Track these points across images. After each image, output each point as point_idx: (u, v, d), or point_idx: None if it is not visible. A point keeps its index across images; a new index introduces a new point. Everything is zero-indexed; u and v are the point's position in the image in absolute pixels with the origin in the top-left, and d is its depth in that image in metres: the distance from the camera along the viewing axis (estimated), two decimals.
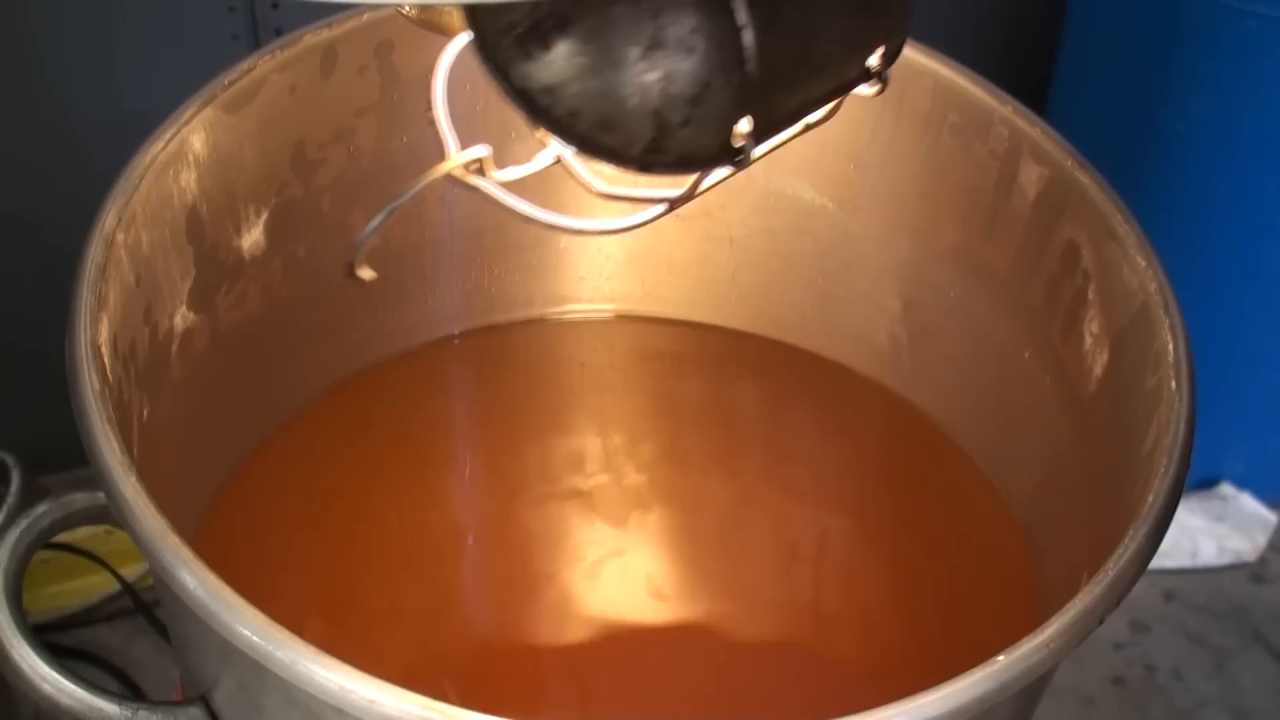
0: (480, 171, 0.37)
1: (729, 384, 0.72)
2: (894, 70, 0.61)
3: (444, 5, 0.37)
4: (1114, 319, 0.55)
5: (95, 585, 1.05)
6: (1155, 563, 1.01)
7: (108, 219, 0.50)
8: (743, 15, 0.34)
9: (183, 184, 0.55)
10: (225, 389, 0.60)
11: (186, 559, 0.41)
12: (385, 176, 0.63)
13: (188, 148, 0.55)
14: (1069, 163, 0.57)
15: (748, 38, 0.35)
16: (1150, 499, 0.46)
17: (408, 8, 0.40)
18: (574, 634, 0.61)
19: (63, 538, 0.98)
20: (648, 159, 0.36)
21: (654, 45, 0.34)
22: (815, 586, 0.65)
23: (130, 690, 1.01)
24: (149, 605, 1.01)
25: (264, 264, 0.61)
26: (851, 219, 0.67)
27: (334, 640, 0.60)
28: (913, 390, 0.68)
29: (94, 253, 0.49)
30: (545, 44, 0.34)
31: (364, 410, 0.66)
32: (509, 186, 0.39)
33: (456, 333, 0.70)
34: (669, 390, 0.72)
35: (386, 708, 0.38)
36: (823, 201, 0.67)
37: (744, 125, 0.36)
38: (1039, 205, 0.59)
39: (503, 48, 0.34)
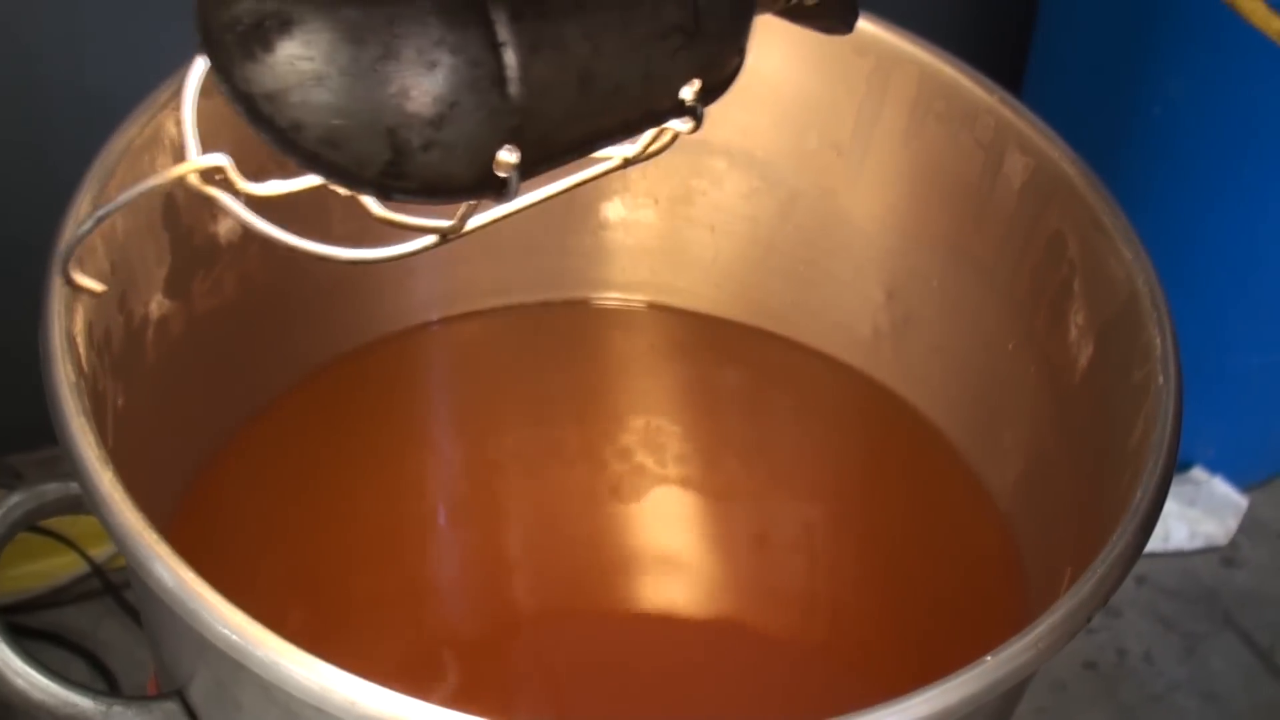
0: (224, 182, 0.34)
1: (708, 371, 0.71)
2: (879, 56, 0.61)
3: None
4: (1100, 311, 0.55)
5: (63, 566, 1.04)
6: None
7: (82, 204, 0.49)
8: (504, 31, 0.31)
9: (159, 169, 0.54)
10: (201, 376, 0.59)
11: (163, 555, 0.41)
12: None
13: (164, 133, 0.53)
14: (1055, 153, 0.57)
15: (510, 57, 0.31)
16: (1138, 495, 0.46)
17: None
18: (550, 622, 0.61)
19: None
20: (386, 183, 0.32)
21: (386, 55, 0.31)
22: (793, 577, 0.65)
23: (100, 673, 1.00)
24: (118, 587, 1.00)
25: (240, 250, 0.60)
26: (835, 206, 0.66)
27: (313, 629, 0.60)
28: (895, 380, 0.68)
29: (69, 240, 0.48)
30: (267, 44, 0.31)
31: (342, 397, 0.66)
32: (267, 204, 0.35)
33: (434, 319, 0.69)
34: (647, 376, 0.71)
35: (366, 708, 0.38)
36: (805, 188, 0.66)
37: (507, 155, 0.33)
38: (1024, 195, 0.59)
39: (225, 44, 0.31)
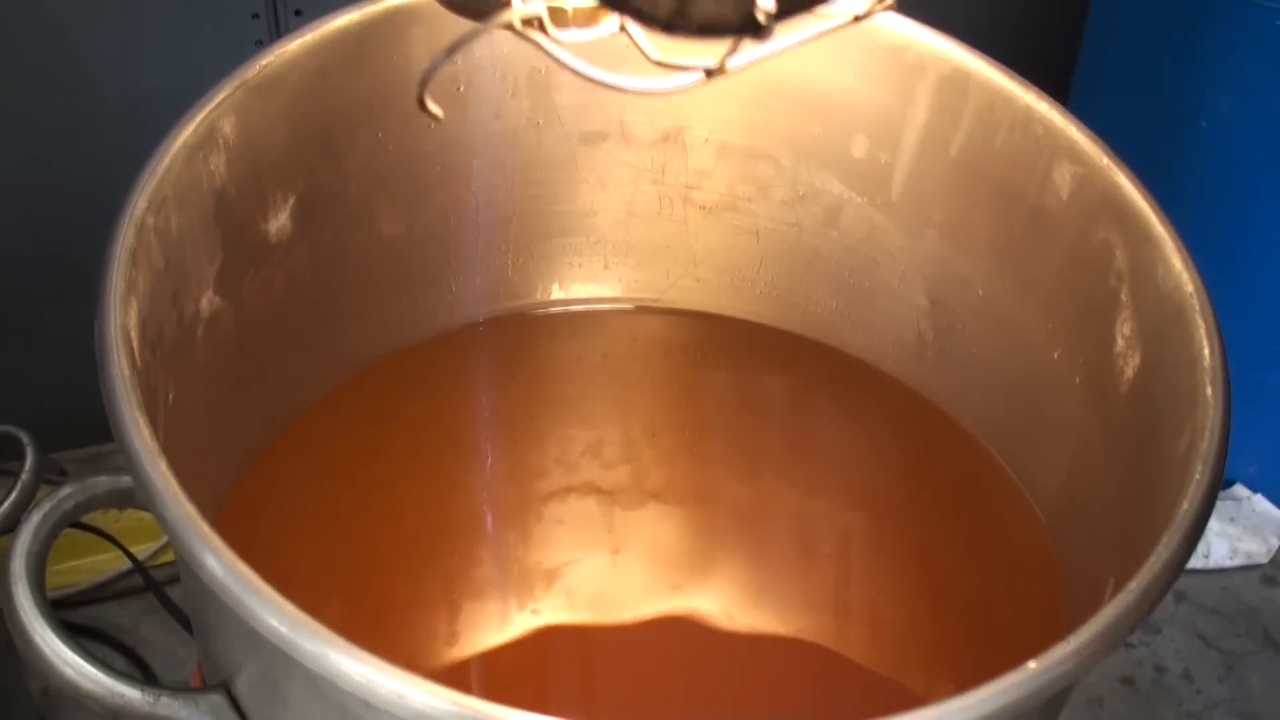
0: (541, 28, 0.39)
1: (751, 378, 0.71)
2: (928, 64, 0.61)
3: None
4: (1147, 321, 0.55)
5: (106, 563, 1.05)
6: None
7: (139, 202, 0.50)
8: None
9: (212, 167, 0.54)
10: (250, 373, 0.60)
11: (215, 546, 0.41)
12: (411, 163, 0.63)
13: (218, 131, 0.54)
14: (1105, 162, 0.57)
15: None
16: (1185, 506, 0.46)
17: None
18: (589, 624, 0.61)
19: None
20: (672, 22, 0.38)
21: None
22: (834, 584, 0.65)
23: (139, 668, 1.01)
24: (159, 584, 1.01)
25: (290, 249, 0.60)
26: (880, 213, 0.66)
27: (351, 624, 0.60)
28: (938, 389, 0.67)
29: (125, 236, 0.49)
30: None
31: (386, 396, 0.66)
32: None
33: (480, 320, 0.70)
34: (690, 383, 0.71)
35: (414, 701, 0.38)
36: (851, 195, 0.66)
37: (765, 2, 0.38)
38: (1072, 204, 0.58)
39: None
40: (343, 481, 0.63)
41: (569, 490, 0.66)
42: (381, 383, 0.66)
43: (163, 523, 0.42)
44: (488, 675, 0.60)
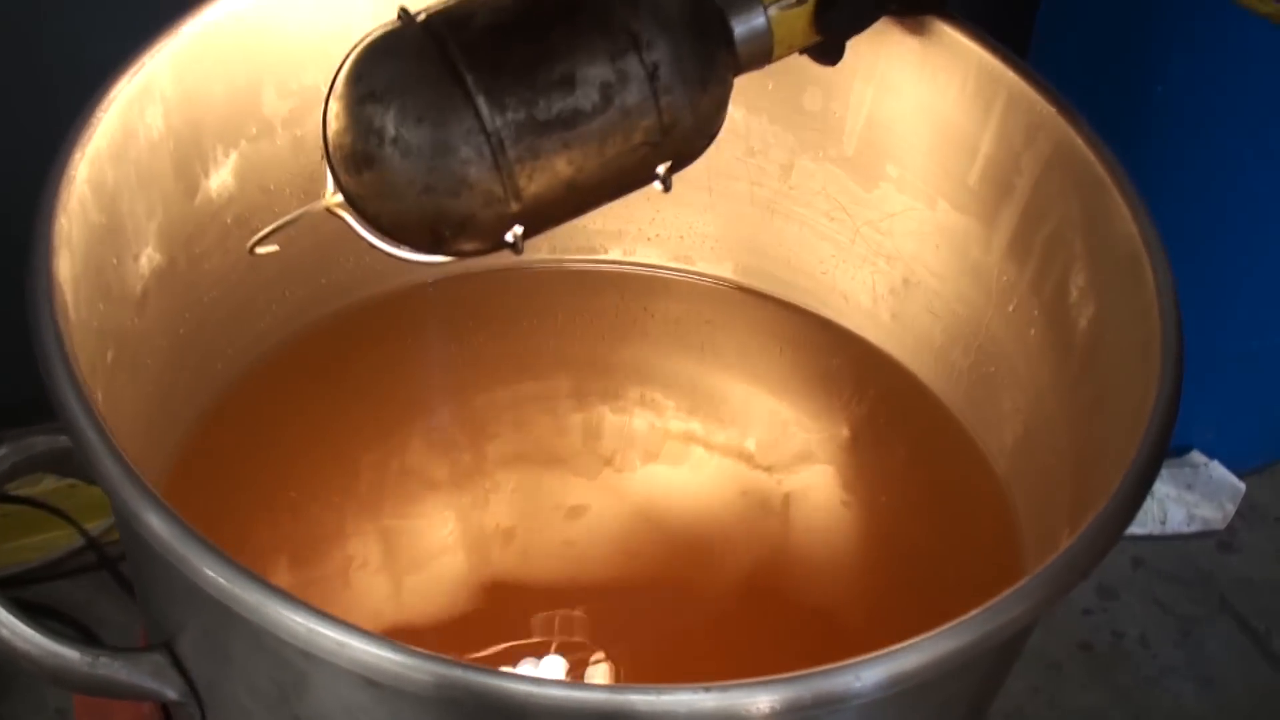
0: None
1: (706, 334, 0.71)
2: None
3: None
4: (1101, 272, 0.54)
5: (58, 540, 1.03)
6: None
7: (73, 155, 0.49)
8: (506, 166, 0.45)
9: (149, 121, 0.53)
10: (194, 332, 0.59)
11: (153, 501, 0.40)
12: None
13: (155, 84, 0.53)
14: (1057, 110, 0.56)
15: (513, 183, 0.45)
16: (1136, 452, 0.46)
17: None
18: (546, 583, 0.61)
19: (25, 491, 0.97)
20: (434, 250, 0.47)
21: (428, 189, 0.45)
22: (790, 540, 0.65)
23: (93, 644, 1.00)
24: (113, 560, 0.99)
25: (234, 205, 0.59)
26: (834, 166, 0.66)
27: (305, 587, 0.59)
28: (892, 342, 0.67)
29: (57, 189, 0.48)
30: (358, 169, 0.45)
31: (336, 355, 0.65)
32: None
33: (430, 280, 0.69)
34: (643, 340, 0.71)
35: (355, 651, 0.37)
36: (803, 148, 0.66)
37: (515, 231, 0.47)
38: (1026, 153, 0.58)
39: (335, 158, 0.46)
40: (293, 441, 0.63)
41: (523, 448, 0.65)
42: (330, 341, 0.65)
43: (99, 479, 0.41)
44: (443, 633, 0.60)
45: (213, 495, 0.59)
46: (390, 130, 0.44)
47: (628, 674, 0.57)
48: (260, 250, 0.49)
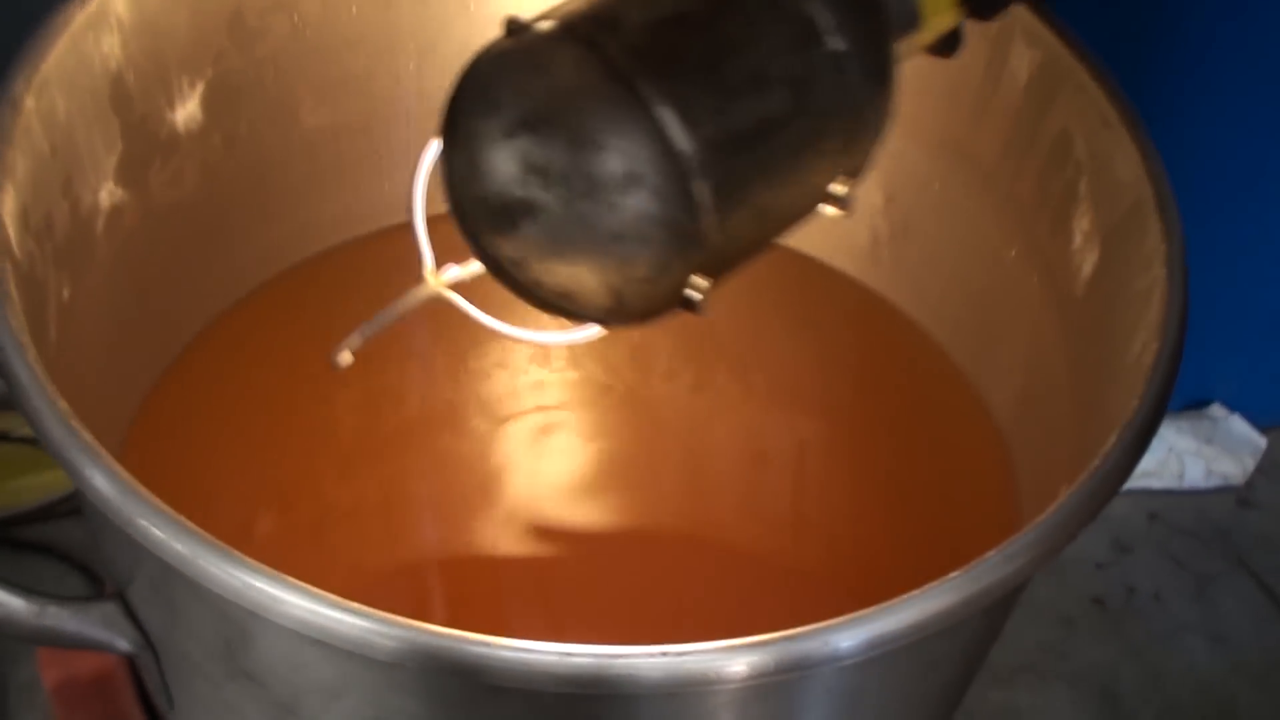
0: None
1: None
2: None
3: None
4: (1106, 215, 0.52)
5: (57, 481, 1.02)
6: (1140, 483, 0.98)
7: (16, 83, 0.47)
8: (705, 199, 0.35)
9: (105, 49, 0.51)
10: (159, 272, 0.57)
11: (82, 444, 0.38)
12: (332, 50, 0.60)
13: (110, 9, 0.51)
14: (1063, 45, 0.54)
15: (708, 221, 0.35)
16: (1136, 405, 0.43)
17: None
18: (525, 537, 0.59)
19: (26, 431, 0.96)
20: (606, 320, 0.38)
21: (615, 237, 0.36)
22: (788, 493, 0.63)
23: (93, 585, 0.99)
24: None
25: (201, 139, 0.57)
26: None
27: (282, 540, 0.57)
28: (892, 288, 0.65)
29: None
30: (514, 224, 0.37)
31: (310, 299, 0.63)
32: None
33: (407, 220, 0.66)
34: None
35: (290, 606, 0.35)
36: None
37: (700, 281, 0.37)
38: (1030, 91, 0.55)
39: (476, 217, 0.38)
40: (263, 389, 0.61)
41: (510, 395, 0.64)
42: (304, 284, 0.63)
43: (27, 418, 0.39)
44: (427, 585, 0.58)
45: (181, 443, 0.57)
46: (559, 164, 0.35)
47: (608, 636, 0.56)
48: (342, 363, 0.46)
